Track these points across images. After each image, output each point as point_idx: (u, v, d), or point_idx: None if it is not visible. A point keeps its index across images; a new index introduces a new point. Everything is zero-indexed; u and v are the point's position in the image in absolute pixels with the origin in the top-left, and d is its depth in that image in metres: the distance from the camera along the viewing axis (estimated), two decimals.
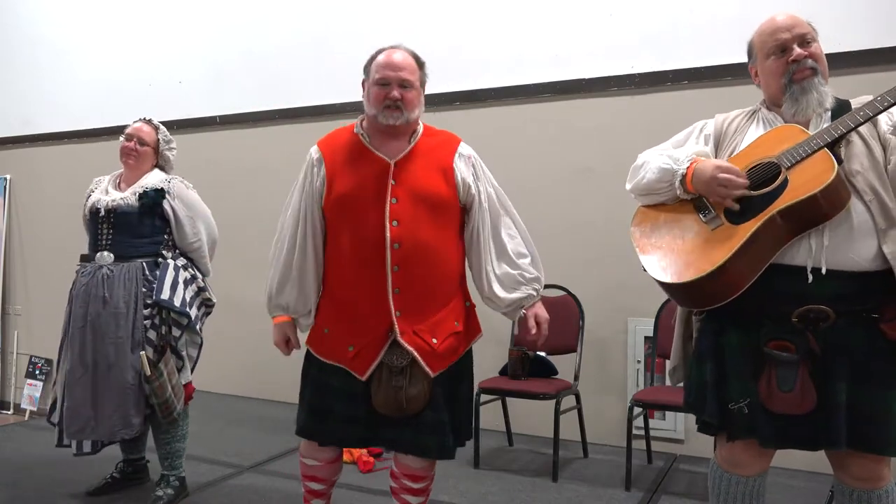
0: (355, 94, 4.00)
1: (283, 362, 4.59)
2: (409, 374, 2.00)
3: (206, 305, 2.97)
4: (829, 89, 1.75)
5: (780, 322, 1.63)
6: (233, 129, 4.92)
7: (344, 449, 2.32)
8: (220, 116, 4.94)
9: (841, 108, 1.73)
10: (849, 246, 1.59)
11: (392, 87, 2.01)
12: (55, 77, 5.58)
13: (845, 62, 3.13)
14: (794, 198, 1.59)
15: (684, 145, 1.92)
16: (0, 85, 5.86)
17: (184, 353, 2.84)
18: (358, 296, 2.05)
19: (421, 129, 2.13)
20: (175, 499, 2.85)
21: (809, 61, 1.73)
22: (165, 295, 2.73)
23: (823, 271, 1.58)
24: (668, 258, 1.74)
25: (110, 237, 2.82)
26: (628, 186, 1.92)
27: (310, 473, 2.23)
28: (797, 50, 1.73)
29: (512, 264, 2.12)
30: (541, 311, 2.16)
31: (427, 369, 2.02)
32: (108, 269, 2.77)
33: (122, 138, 2.96)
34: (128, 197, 2.83)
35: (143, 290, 2.75)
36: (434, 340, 2.03)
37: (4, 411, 5.68)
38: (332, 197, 2.07)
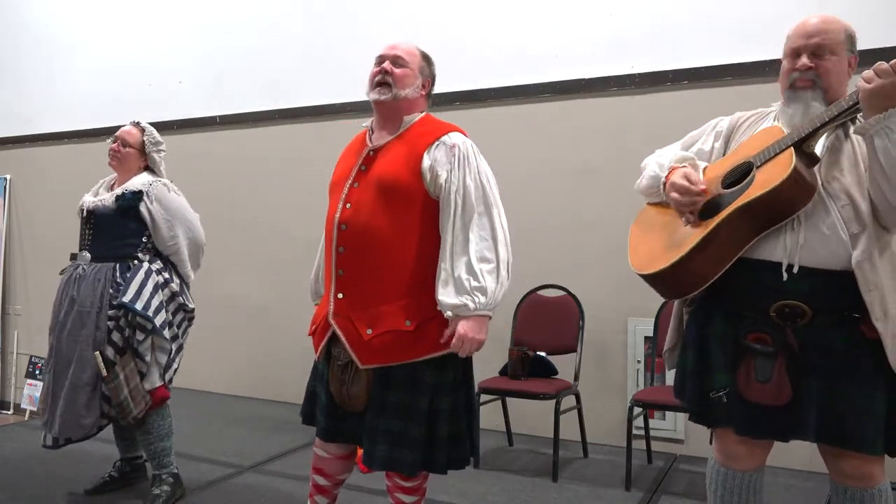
0: (355, 94, 4.01)
1: (283, 362, 4.62)
2: (353, 371, 2.00)
3: (184, 311, 2.92)
4: (820, 107, 1.72)
5: (759, 316, 1.69)
6: (233, 129, 4.93)
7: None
8: (220, 116, 4.95)
9: None
10: (824, 246, 1.63)
11: (384, 63, 2.08)
12: (55, 77, 5.59)
13: None
14: (752, 194, 1.65)
15: (694, 144, 1.97)
16: (1, 85, 5.86)
17: (148, 358, 2.76)
18: (325, 276, 2.14)
19: (416, 119, 2.10)
20: (172, 495, 2.86)
21: (811, 73, 1.74)
22: (128, 297, 2.69)
23: (796, 269, 1.63)
24: (645, 252, 1.85)
25: (90, 238, 2.86)
26: (635, 187, 2.02)
27: (318, 465, 2.23)
28: (803, 59, 1.76)
29: (469, 268, 1.92)
30: (469, 329, 1.90)
31: (355, 358, 1.98)
32: (83, 268, 2.83)
33: (108, 140, 2.99)
34: (106, 199, 2.86)
35: (111, 291, 2.74)
36: (368, 331, 1.97)
37: (4, 411, 5.69)
38: (329, 184, 2.17)
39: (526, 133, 4.01)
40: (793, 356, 1.65)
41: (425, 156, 2.00)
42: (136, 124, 3.01)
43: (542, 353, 3.56)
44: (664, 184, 1.85)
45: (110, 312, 2.73)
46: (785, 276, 1.64)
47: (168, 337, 2.79)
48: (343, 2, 4.57)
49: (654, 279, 1.78)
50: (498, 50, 4.09)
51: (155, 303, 2.76)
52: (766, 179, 1.64)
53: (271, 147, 4.79)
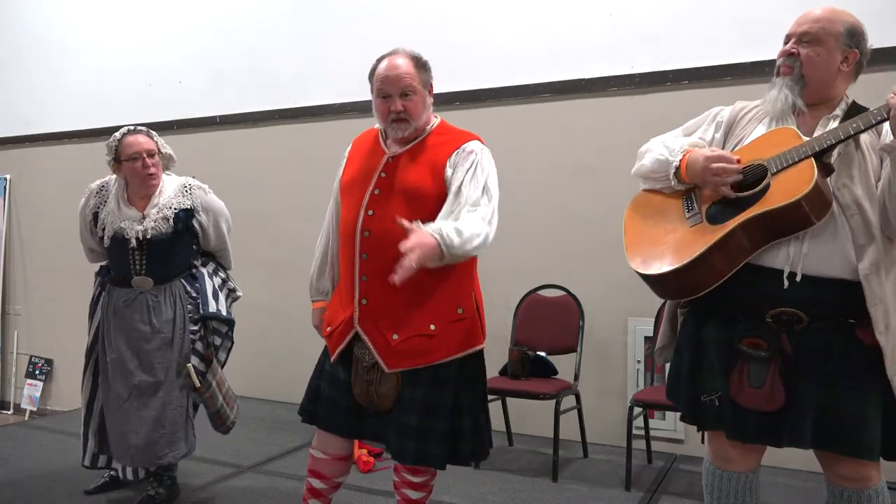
0: (355, 94, 3.99)
1: (282, 362, 4.62)
2: (380, 372, 2.03)
3: (234, 300, 3.02)
4: (789, 95, 1.72)
5: (755, 321, 1.67)
6: (233, 129, 4.92)
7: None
8: (220, 116, 4.94)
9: (852, 112, 1.70)
10: (828, 256, 1.61)
11: (394, 100, 2.02)
12: (55, 77, 5.58)
13: None
14: (768, 206, 1.61)
15: (695, 132, 1.93)
16: (1, 85, 5.86)
17: (224, 357, 2.94)
18: (342, 280, 2.15)
19: (432, 126, 2.12)
20: (166, 498, 2.86)
21: (792, 59, 1.74)
22: (213, 308, 2.80)
23: (799, 278, 1.61)
24: (645, 249, 1.81)
25: (144, 263, 2.75)
26: (632, 171, 1.97)
27: (315, 468, 2.23)
28: (786, 46, 1.76)
29: (457, 224, 1.88)
30: (422, 241, 1.79)
31: (381, 362, 2.01)
32: (152, 294, 2.76)
33: (126, 158, 2.69)
34: (159, 223, 2.73)
35: (189, 306, 2.80)
36: (395, 336, 2.01)
37: (4, 411, 5.68)
38: (341, 184, 2.19)
39: (526, 133, 4.01)
40: (787, 362, 1.64)
41: (447, 166, 2.03)
42: (139, 131, 2.75)
43: (542, 353, 3.56)
44: (678, 168, 1.79)
45: (193, 328, 2.78)
46: (786, 283, 1.62)
47: (232, 335, 2.93)
48: (343, 2, 4.57)
49: (655, 280, 1.76)
50: (497, 50, 4.08)
51: (225, 304, 2.90)
52: (786, 190, 1.60)
53: (271, 147, 4.78)
